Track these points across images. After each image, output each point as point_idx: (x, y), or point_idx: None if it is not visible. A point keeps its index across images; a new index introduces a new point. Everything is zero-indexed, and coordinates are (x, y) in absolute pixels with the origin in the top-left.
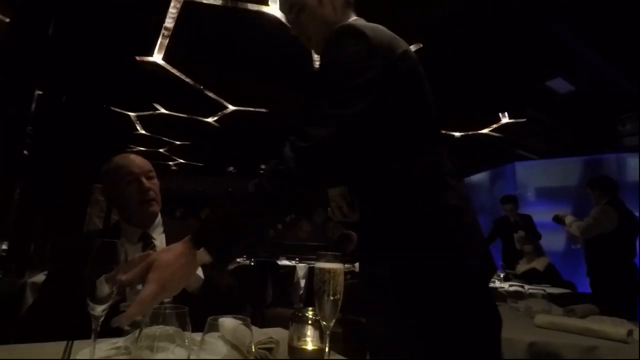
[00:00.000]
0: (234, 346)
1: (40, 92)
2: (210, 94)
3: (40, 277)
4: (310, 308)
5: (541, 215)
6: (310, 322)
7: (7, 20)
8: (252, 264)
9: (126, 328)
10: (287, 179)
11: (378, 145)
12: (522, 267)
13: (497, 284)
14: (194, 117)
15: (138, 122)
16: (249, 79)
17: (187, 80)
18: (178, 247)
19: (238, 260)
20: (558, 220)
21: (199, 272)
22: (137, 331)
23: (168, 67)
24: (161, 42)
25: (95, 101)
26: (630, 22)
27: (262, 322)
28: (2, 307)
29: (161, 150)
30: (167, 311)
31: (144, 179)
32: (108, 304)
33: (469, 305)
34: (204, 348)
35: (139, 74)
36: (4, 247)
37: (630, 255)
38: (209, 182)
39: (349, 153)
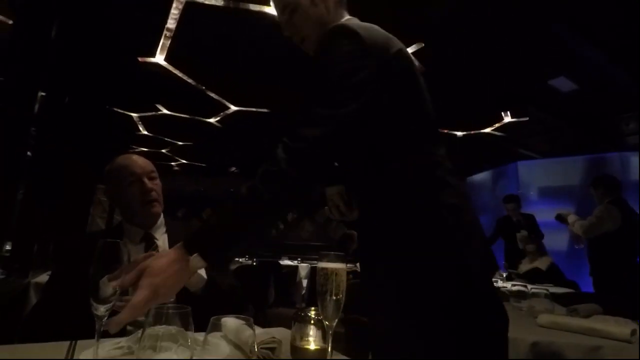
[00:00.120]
0: (237, 346)
1: (43, 93)
2: (212, 95)
3: (43, 278)
4: (313, 308)
5: (544, 214)
6: (312, 322)
7: (10, 22)
8: (255, 264)
9: (129, 328)
10: (281, 180)
11: (375, 144)
12: (524, 266)
13: (500, 283)
14: (196, 117)
15: (140, 122)
16: (251, 79)
17: (189, 80)
18: (171, 253)
19: (240, 260)
20: (561, 219)
21: (202, 272)
22: (140, 331)
23: (170, 67)
24: (163, 43)
25: (98, 102)
26: (631, 21)
27: (265, 322)
28: (5, 307)
29: (163, 150)
30: (170, 311)
31: (146, 180)
32: (111, 304)
33: (469, 305)
34: (207, 348)
35: (141, 74)
36: (8, 247)
37: (634, 255)
38: (211, 182)
39: (342, 153)
